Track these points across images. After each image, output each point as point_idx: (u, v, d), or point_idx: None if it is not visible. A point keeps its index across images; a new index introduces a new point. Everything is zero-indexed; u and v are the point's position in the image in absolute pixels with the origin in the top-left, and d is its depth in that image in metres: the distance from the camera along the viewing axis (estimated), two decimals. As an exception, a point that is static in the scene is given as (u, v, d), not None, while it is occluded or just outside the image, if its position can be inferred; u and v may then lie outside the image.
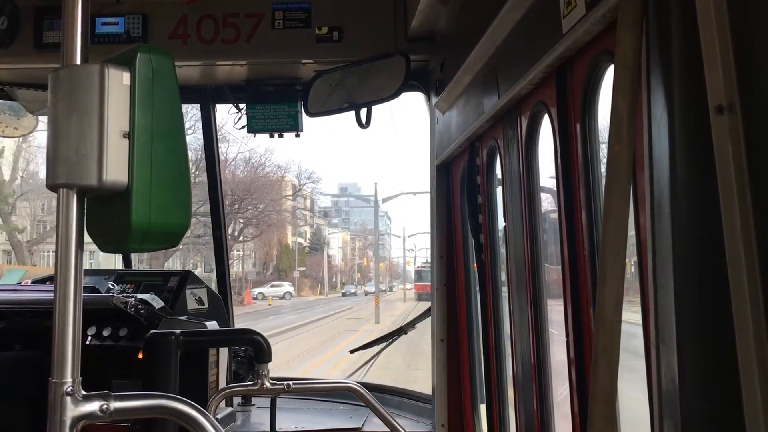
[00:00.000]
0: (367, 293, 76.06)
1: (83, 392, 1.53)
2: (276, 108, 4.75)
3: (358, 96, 4.40)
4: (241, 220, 49.41)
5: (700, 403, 1.44)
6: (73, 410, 1.48)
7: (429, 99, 4.52)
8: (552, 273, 2.88)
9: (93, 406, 1.51)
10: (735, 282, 1.34)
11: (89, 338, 4.27)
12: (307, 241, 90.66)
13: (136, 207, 1.51)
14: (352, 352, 5.85)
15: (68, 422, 1.47)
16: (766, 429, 1.28)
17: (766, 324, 1.30)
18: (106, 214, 1.60)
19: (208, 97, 4.94)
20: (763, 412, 1.29)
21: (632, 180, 1.67)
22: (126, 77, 1.55)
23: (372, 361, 5.57)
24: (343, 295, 79.88)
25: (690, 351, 1.44)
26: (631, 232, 1.92)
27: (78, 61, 1.57)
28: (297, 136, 4.90)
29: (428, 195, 4.67)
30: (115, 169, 1.51)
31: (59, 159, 1.51)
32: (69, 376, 1.47)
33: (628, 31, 1.60)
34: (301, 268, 78.42)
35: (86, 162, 1.50)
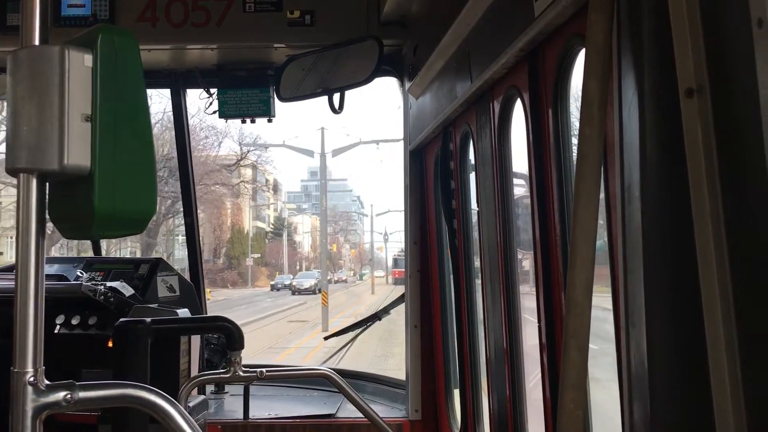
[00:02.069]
0: (296, 291, 52.85)
1: (47, 382, 1.49)
2: (248, 93, 4.69)
3: (331, 81, 4.35)
4: (173, 194, 38.96)
5: (669, 384, 1.45)
6: (35, 400, 1.44)
7: (402, 84, 4.49)
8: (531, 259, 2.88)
9: (57, 396, 1.48)
10: (703, 265, 1.35)
11: (58, 327, 4.20)
12: (270, 225, 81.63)
13: (99, 192, 1.47)
14: (326, 338, 5.84)
15: (30, 412, 1.43)
16: (733, 410, 1.29)
17: (734, 306, 1.31)
18: (68, 199, 1.56)
19: (178, 81, 4.86)
20: (731, 394, 1.30)
21: (603, 163, 1.67)
22: (88, 59, 1.50)
23: (346, 348, 5.57)
24: (273, 288, 58.60)
25: (659, 333, 1.45)
26: (604, 218, 1.92)
27: (37, 42, 1.53)
28: (269, 121, 4.85)
29: (394, 144, 4.65)
30: (77, 153, 1.46)
31: (19, 143, 1.46)
32: (30, 366, 1.44)
33: (600, 13, 1.59)
34: (255, 255, 65.50)
35: (47, 146, 1.45)
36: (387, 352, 19.42)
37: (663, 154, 1.47)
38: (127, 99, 1.53)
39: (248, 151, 48.19)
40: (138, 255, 41.20)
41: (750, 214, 1.26)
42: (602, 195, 1.84)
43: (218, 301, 40.13)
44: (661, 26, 1.45)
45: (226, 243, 63.06)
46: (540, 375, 2.58)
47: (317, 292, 49.19)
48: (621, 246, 1.56)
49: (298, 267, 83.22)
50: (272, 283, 62.06)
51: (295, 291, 52.79)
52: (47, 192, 1.54)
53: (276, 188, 77.20)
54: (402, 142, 4.61)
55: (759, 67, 1.16)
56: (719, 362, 1.31)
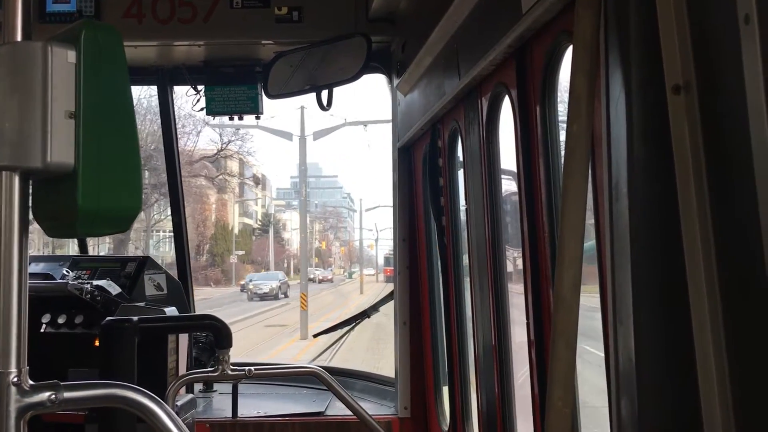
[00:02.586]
0: (253, 295, 42.88)
1: (31, 382, 1.48)
2: (235, 90, 4.66)
3: (319, 78, 4.33)
4: (144, 187, 38.12)
5: (656, 381, 1.45)
6: (19, 401, 1.43)
7: (390, 81, 4.48)
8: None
9: (41, 397, 1.46)
10: (691, 261, 1.35)
11: (44, 326, 4.17)
12: (258, 222, 77.01)
13: (83, 190, 1.45)
14: (315, 336, 5.83)
15: (14, 413, 1.42)
16: (721, 406, 1.29)
17: (721, 303, 1.31)
18: (52, 197, 1.54)
19: (165, 78, 4.82)
20: (718, 391, 1.30)
21: (590, 159, 1.67)
22: (71, 55, 1.49)
23: (335, 346, 5.56)
24: (243, 289, 47.51)
25: (647, 330, 1.45)
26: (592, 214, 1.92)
27: (20, 38, 1.51)
28: (257, 118, 4.83)
29: (384, 128, 4.61)
30: (61, 151, 1.45)
31: (1, 140, 1.45)
32: (14, 366, 1.42)
33: (587, 8, 1.59)
34: (240, 252, 61.30)
35: (30, 143, 1.44)
36: (373, 367, 17.95)
37: (650, 150, 1.47)
38: (111, 95, 1.52)
39: (229, 141, 43.42)
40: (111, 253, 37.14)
41: (737, 210, 1.26)
42: (590, 192, 1.84)
43: (196, 301, 34.18)
44: (648, 22, 1.44)
45: (210, 239, 59.23)
46: (528, 372, 2.58)
47: (281, 296, 42.66)
48: (609, 243, 1.56)
49: (285, 264, 79.66)
50: (242, 282, 51.43)
51: (252, 296, 43.26)
52: (30, 190, 1.53)
53: (259, 182, 69.56)
54: (391, 124, 4.59)
55: (745, 64, 1.15)
56: (706, 359, 1.32)
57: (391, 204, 4.60)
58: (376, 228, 73.43)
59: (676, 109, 1.37)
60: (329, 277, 75.85)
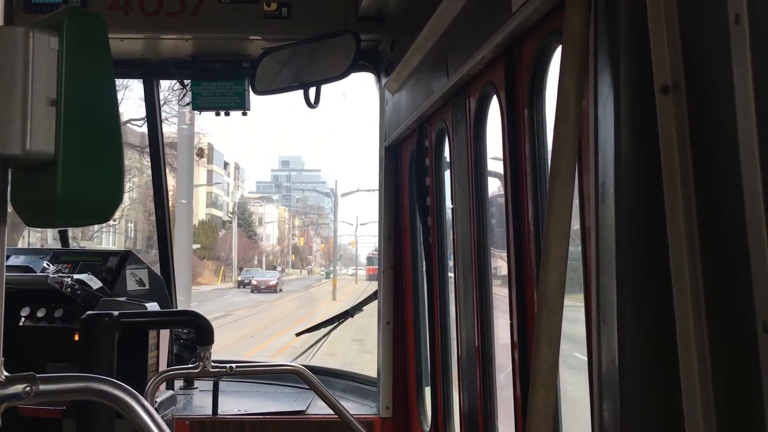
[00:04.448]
0: None
1: (6, 373, 1.45)
2: (222, 85, 4.63)
3: (307, 75, 4.32)
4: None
5: (639, 382, 1.44)
6: None
7: (379, 79, 4.47)
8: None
9: (16, 388, 1.44)
10: (676, 262, 1.34)
11: (23, 319, 4.12)
12: (229, 214, 71.59)
13: (63, 179, 1.43)
14: (298, 334, 5.80)
15: None
16: (703, 408, 1.29)
17: (705, 305, 1.31)
18: (32, 186, 1.51)
19: (151, 72, 4.78)
20: (700, 392, 1.29)
21: (577, 159, 1.66)
22: (54, 42, 1.46)
23: (318, 344, 5.53)
24: None
25: (631, 331, 1.44)
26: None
27: (1, 23, 1.48)
28: (244, 114, 4.79)
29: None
30: (41, 138, 1.42)
31: None
32: None
33: (577, 8, 1.58)
34: (196, 246, 50.23)
35: (9, 130, 1.41)
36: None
37: (638, 150, 1.47)
38: (94, 83, 1.49)
39: (164, 101, 35.72)
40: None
41: (723, 211, 1.26)
42: (577, 193, 1.83)
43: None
44: (638, 22, 1.44)
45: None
46: (510, 373, 2.57)
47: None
48: (594, 243, 1.55)
49: (256, 262, 73.21)
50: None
51: None
52: (9, 178, 1.50)
53: (203, 155, 54.17)
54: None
55: (735, 64, 1.15)
56: (690, 360, 1.31)
57: (371, 189, 4.60)
58: (357, 222, 65.56)
59: (664, 110, 1.36)
60: (272, 283, 50.50)
